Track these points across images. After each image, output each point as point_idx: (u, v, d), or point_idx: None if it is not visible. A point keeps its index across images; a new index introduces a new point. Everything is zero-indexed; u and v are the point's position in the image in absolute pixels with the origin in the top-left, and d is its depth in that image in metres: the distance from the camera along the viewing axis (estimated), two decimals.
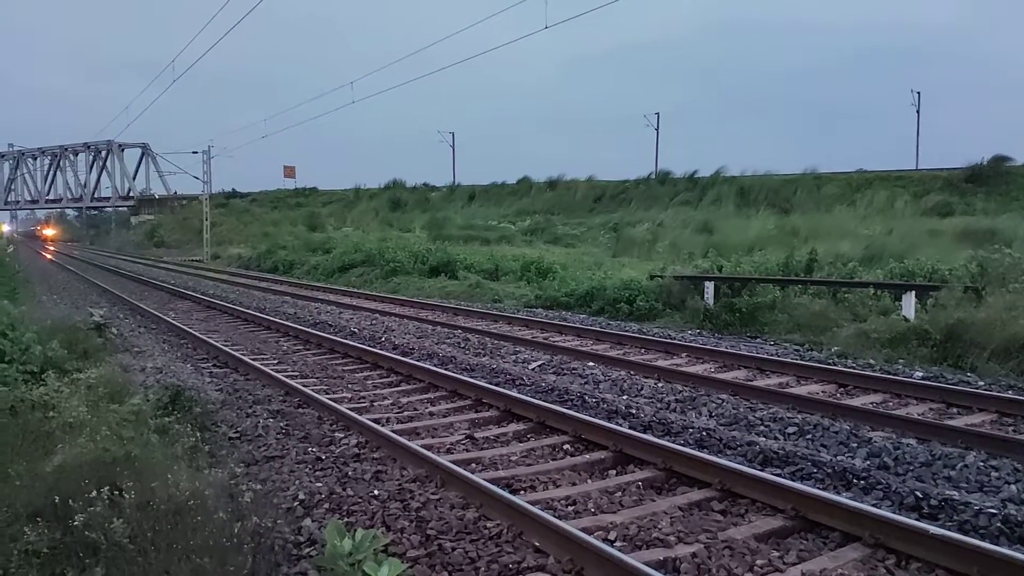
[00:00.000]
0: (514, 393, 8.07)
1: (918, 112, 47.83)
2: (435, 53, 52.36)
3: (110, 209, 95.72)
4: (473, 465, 5.94)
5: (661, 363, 10.18)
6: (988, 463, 5.72)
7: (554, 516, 4.58)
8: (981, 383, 8.77)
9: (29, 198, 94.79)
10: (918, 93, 48.15)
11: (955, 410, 7.57)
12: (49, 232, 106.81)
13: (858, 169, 38.67)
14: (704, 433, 6.66)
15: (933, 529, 4.17)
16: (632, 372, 9.58)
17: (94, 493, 3.95)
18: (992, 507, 4.74)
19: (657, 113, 56.71)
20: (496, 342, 12.22)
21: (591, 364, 10.14)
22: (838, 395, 8.35)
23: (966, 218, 26.66)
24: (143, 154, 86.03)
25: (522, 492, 5.31)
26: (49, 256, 55.69)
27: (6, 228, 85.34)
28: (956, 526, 4.57)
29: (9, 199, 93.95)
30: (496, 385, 8.59)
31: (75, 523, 3.76)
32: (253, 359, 10.68)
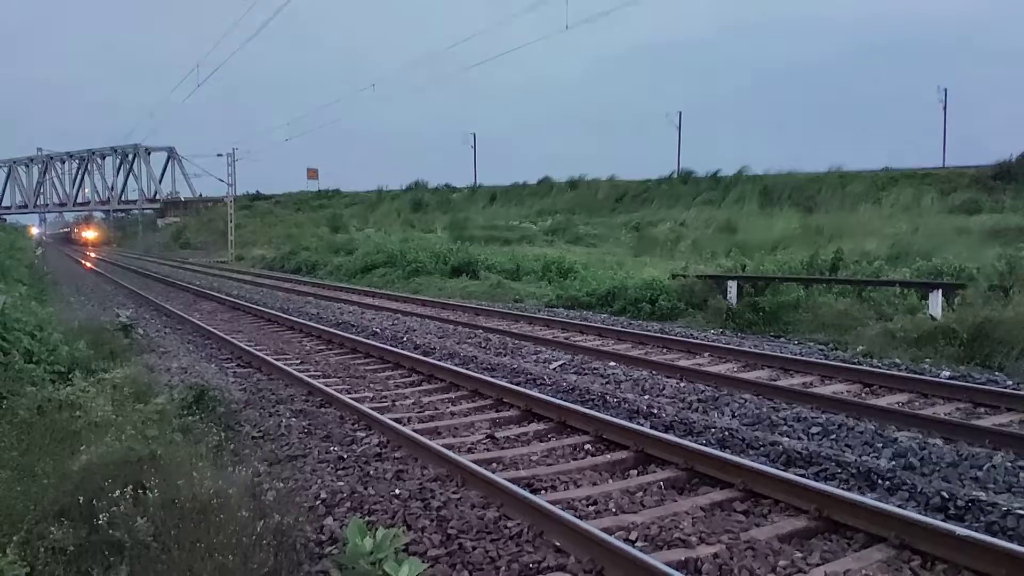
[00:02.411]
0: (535, 393, 8.06)
1: (945, 109, 47.06)
2: (457, 55, 52.49)
3: (137, 212, 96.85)
4: (494, 464, 5.94)
5: (683, 363, 10.12)
6: (1016, 463, 5.62)
7: (575, 516, 4.57)
8: (1009, 382, 8.62)
9: (57, 201, 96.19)
10: (945, 89, 47.40)
11: (983, 410, 7.45)
12: (90, 234, 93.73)
13: (884, 167, 38.06)
14: (726, 433, 6.61)
15: (960, 530, 4.11)
16: (654, 372, 9.54)
17: (119, 492, 3.99)
18: (1021, 508, 4.66)
19: (679, 112, 56.01)
20: (517, 342, 12.22)
21: (612, 364, 10.10)
22: (863, 395, 8.25)
23: (994, 216, 26.20)
24: (169, 157, 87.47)
25: (543, 492, 5.31)
26: (89, 264, 46.78)
27: (35, 231, 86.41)
28: (983, 527, 4.50)
29: (38, 203, 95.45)
30: (517, 385, 8.58)
31: (100, 522, 3.80)
32: (276, 359, 10.76)
